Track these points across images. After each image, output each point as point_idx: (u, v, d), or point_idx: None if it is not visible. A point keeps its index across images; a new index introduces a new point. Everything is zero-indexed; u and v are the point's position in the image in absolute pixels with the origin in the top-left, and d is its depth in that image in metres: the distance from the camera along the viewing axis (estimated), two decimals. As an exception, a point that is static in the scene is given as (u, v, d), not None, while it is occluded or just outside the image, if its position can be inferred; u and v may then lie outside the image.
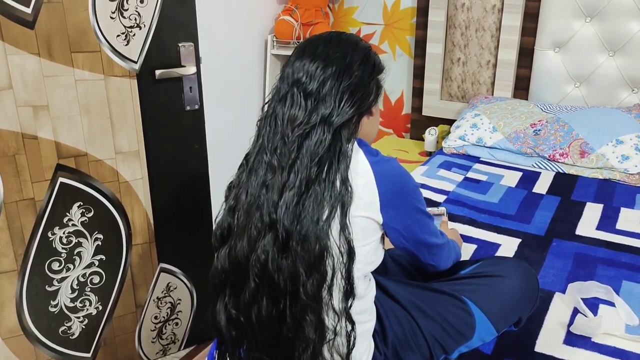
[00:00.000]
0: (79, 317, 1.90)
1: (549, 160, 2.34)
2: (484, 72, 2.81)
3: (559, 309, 1.40)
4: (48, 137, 1.69)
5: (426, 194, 2.05)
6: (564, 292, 1.47)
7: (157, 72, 1.79)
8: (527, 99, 2.73)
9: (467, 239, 1.74)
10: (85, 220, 1.81)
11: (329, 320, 1.01)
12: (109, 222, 1.87)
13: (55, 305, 1.84)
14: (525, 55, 2.71)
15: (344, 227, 0.99)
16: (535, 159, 2.37)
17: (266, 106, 1.09)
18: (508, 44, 2.69)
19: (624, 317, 1.36)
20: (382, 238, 1.14)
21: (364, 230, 1.06)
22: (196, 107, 1.92)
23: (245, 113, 2.99)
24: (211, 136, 2.03)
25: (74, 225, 1.80)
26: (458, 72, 2.87)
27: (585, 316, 1.35)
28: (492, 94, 2.79)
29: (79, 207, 1.79)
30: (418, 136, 3.04)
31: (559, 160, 2.31)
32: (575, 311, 1.39)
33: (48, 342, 1.86)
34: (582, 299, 1.41)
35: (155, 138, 1.88)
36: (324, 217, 0.98)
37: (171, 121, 1.89)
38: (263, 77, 3.05)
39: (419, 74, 2.98)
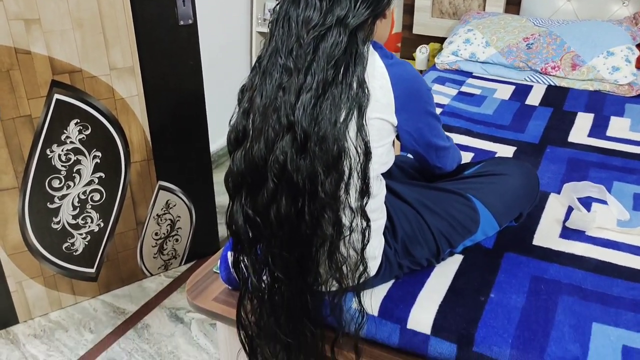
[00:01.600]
0: (81, 234, 1.93)
1: (541, 73, 2.36)
2: (475, -13, 2.77)
3: (555, 207, 1.46)
4: (41, 52, 1.66)
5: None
6: (559, 192, 1.53)
7: (149, -17, 1.74)
8: (519, 14, 2.71)
9: (464, 148, 1.78)
10: (83, 137, 1.81)
11: (346, 218, 1.05)
12: (107, 139, 1.86)
13: (58, 222, 1.86)
14: (517, -32, 2.68)
15: (360, 129, 1.01)
16: (527, 73, 2.38)
17: (277, 7, 1.08)
18: (500, -43, 2.65)
19: (615, 213, 1.42)
20: (393, 142, 1.17)
21: (379, 131, 1.08)
22: (190, 21, 1.88)
23: (234, 31, 2.94)
24: (203, 54, 2.00)
25: (72, 142, 1.80)
26: (449, -12, 2.83)
27: (580, 212, 1.41)
28: (484, 10, 2.77)
29: (76, 124, 1.78)
30: (409, 55, 3.02)
31: (551, 74, 2.33)
32: (570, 209, 1.45)
33: (52, 258, 1.90)
34: (577, 198, 1.47)
35: (149, 54, 1.85)
36: (342, 118, 0.99)
37: (165, 36, 1.86)
38: (250, -4, 2.98)
39: (409, -10, 2.94)
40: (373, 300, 1.17)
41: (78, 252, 1.94)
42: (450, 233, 1.21)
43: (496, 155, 1.74)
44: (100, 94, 1.80)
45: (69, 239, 1.91)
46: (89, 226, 1.93)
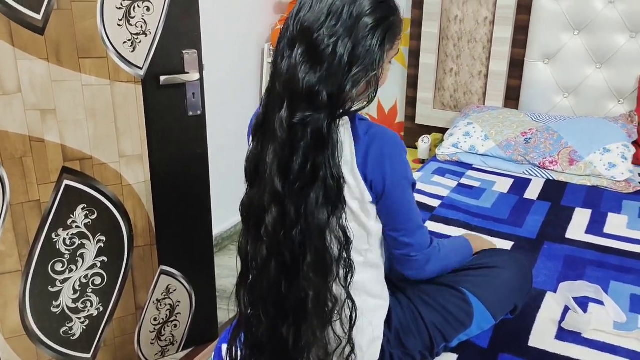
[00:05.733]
0: (80, 318, 1.93)
1: (539, 167, 2.41)
2: (475, 82, 2.89)
3: (551, 306, 1.46)
4: (54, 141, 1.73)
5: (421, 198, 2.11)
6: (555, 291, 1.53)
7: (162, 78, 1.83)
8: (517, 109, 2.81)
9: (461, 241, 1.79)
10: (89, 222, 1.85)
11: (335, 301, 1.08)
12: (112, 224, 1.90)
13: (58, 306, 1.87)
14: (516, 66, 2.79)
15: (338, 220, 1.05)
16: (526, 167, 2.44)
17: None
18: (499, 56, 2.77)
19: (612, 314, 1.42)
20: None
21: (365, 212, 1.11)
22: (199, 112, 1.96)
23: (242, 120, 3.03)
24: (210, 142, 2.07)
25: (77, 227, 1.83)
26: (451, 82, 2.94)
27: (576, 313, 1.41)
28: (484, 104, 2.87)
29: (82, 209, 1.83)
30: (411, 144, 3.10)
31: (549, 168, 2.38)
32: (566, 309, 1.45)
33: (49, 343, 1.89)
34: (573, 297, 1.47)
35: (158, 142, 1.92)
36: (328, 213, 1.03)
37: (174, 126, 1.93)
38: (260, 85, 3.10)
39: (412, 83, 3.05)
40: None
41: (75, 337, 1.94)
42: (444, 326, 1.22)
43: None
44: (108, 181, 1.86)
45: (67, 323, 1.91)
46: (88, 310, 1.94)
